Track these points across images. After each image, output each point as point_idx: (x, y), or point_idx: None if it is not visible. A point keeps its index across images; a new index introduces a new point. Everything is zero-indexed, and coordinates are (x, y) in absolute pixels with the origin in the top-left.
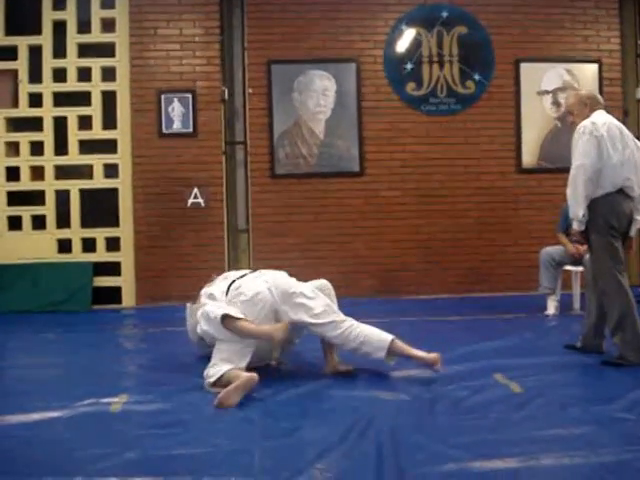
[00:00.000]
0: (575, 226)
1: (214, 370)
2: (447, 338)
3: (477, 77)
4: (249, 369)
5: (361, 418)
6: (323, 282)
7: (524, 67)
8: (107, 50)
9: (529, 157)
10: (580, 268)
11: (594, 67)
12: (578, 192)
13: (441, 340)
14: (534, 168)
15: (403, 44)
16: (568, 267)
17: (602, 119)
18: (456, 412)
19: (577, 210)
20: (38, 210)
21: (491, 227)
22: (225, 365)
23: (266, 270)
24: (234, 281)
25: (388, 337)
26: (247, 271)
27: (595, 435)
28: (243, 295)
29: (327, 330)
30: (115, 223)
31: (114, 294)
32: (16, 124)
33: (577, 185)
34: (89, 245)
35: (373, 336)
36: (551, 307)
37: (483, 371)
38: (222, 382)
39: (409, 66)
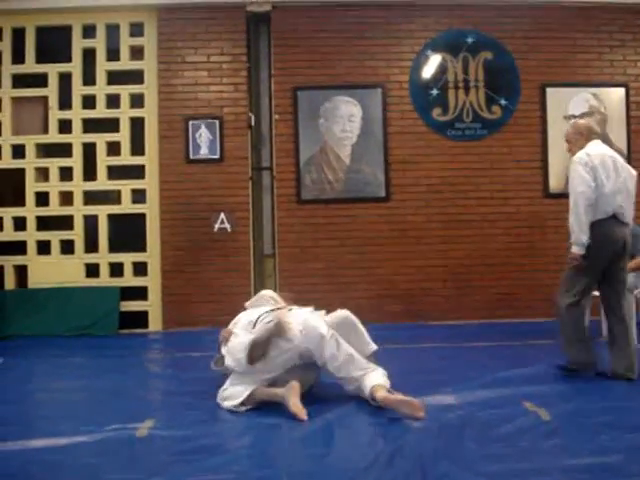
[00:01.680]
0: (576, 250)
1: (237, 390)
2: (474, 364)
3: (503, 102)
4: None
5: (388, 445)
6: (345, 315)
7: (550, 92)
8: (136, 77)
9: (556, 182)
10: None
11: (621, 91)
12: (581, 218)
13: (468, 367)
14: (561, 193)
15: (429, 70)
16: (597, 293)
17: (596, 150)
18: (484, 439)
19: (581, 235)
20: (67, 235)
21: (518, 252)
22: (250, 385)
23: (297, 307)
24: (263, 314)
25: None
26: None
27: (626, 464)
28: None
29: (342, 382)
30: (142, 248)
31: (141, 318)
32: (46, 150)
33: (579, 212)
34: (116, 270)
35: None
36: None
37: (512, 398)
38: (252, 400)
39: (435, 91)
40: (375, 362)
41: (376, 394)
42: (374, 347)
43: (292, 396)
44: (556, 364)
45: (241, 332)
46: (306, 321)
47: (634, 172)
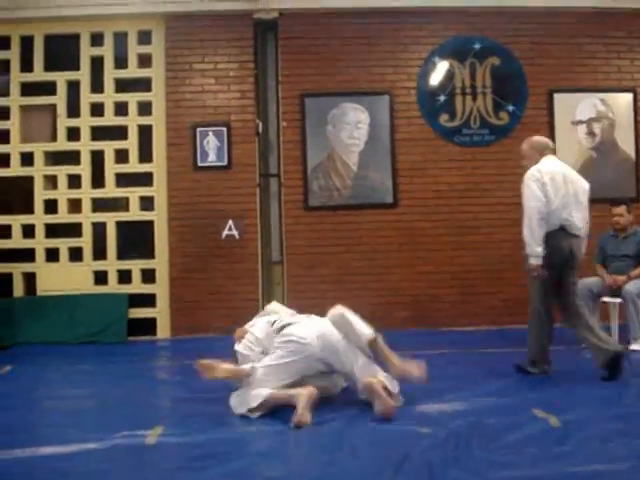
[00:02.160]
0: (533, 262)
1: (251, 395)
2: (483, 371)
3: (511, 108)
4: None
5: (397, 452)
6: (339, 314)
7: (558, 97)
8: (143, 85)
9: None
10: (618, 300)
11: (629, 96)
12: (534, 231)
13: (477, 373)
14: None
15: (436, 76)
16: (606, 299)
17: (548, 166)
18: (494, 446)
19: (536, 247)
20: (75, 242)
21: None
22: (263, 390)
23: (315, 317)
24: (285, 326)
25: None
26: (295, 315)
27: (636, 471)
28: (292, 344)
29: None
30: (150, 255)
31: (149, 325)
32: (54, 158)
33: (533, 225)
34: (125, 277)
35: None
36: None
37: (521, 404)
38: (266, 405)
39: (442, 98)
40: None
41: (363, 379)
42: (369, 333)
43: (303, 401)
44: (513, 363)
45: (258, 331)
46: (321, 329)
47: (586, 186)
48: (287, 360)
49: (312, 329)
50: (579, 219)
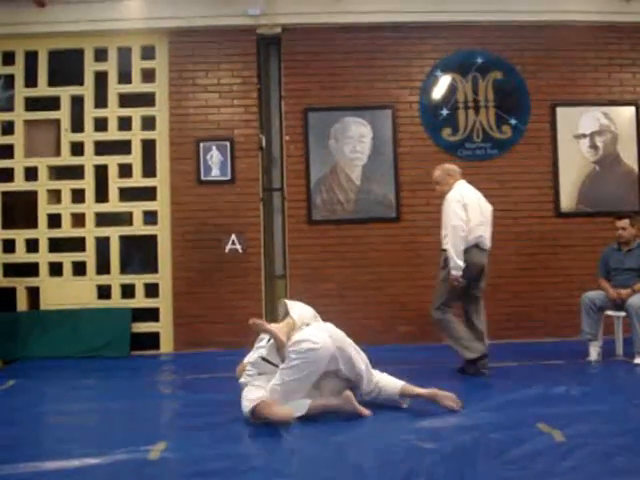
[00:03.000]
0: (455, 273)
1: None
2: (487, 385)
3: (513, 122)
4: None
5: (402, 467)
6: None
7: (560, 111)
8: (147, 100)
9: (567, 201)
10: (622, 313)
11: (631, 110)
12: (457, 247)
13: (481, 387)
14: (573, 212)
15: (438, 90)
16: (610, 312)
17: (466, 190)
18: (499, 461)
19: (458, 262)
20: (78, 256)
21: (530, 272)
22: (304, 401)
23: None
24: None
25: (398, 383)
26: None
27: None
28: (309, 352)
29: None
30: (154, 269)
31: (152, 340)
32: (58, 172)
33: (456, 242)
34: (128, 291)
35: (388, 386)
36: (593, 353)
37: (525, 419)
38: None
39: (445, 112)
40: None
41: (415, 390)
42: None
43: (351, 403)
44: (456, 368)
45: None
46: (330, 329)
47: (490, 207)
48: (306, 372)
49: (322, 330)
50: (488, 236)
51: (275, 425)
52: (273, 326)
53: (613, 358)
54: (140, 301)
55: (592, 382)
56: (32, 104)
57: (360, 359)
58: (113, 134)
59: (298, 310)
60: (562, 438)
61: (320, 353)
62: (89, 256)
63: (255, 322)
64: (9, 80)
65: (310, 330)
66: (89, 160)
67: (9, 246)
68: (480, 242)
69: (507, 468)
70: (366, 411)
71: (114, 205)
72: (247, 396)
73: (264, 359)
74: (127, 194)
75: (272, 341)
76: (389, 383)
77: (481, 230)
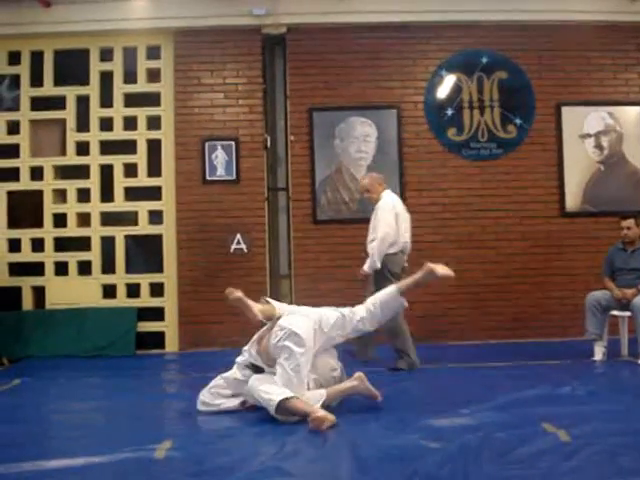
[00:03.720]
0: (368, 270)
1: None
2: (492, 385)
3: (518, 121)
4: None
5: (406, 467)
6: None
7: (565, 111)
8: (152, 99)
9: (573, 201)
10: (627, 313)
11: (636, 109)
12: (382, 251)
13: (486, 387)
14: (578, 212)
15: (443, 90)
16: (615, 312)
17: (395, 199)
18: (503, 461)
19: (377, 263)
20: (84, 256)
21: (535, 272)
22: (318, 391)
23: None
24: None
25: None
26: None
27: None
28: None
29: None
30: (159, 269)
31: (158, 339)
32: (64, 172)
33: (383, 247)
34: (133, 290)
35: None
36: (598, 353)
37: (530, 419)
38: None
39: (450, 111)
40: None
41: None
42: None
43: (364, 383)
44: (390, 367)
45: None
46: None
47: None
48: (301, 353)
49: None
50: (409, 242)
51: (297, 419)
52: (249, 301)
53: (618, 358)
54: (145, 300)
55: (597, 382)
56: (38, 104)
57: (333, 314)
58: (118, 134)
59: (277, 304)
60: (567, 438)
61: (303, 333)
62: (94, 255)
63: (232, 292)
64: (15, 80)
65: (286, 319)
66: (94, 160)
67: (15, 245)
68: (405, 248)
69: (512, 468)
70: (377, 393)
71: (119, 205)
72: (265, 390)
73: (252, 365)
74: (132, 194)
75: (253, 340)
76: (384, 292)
77: (407, 237)
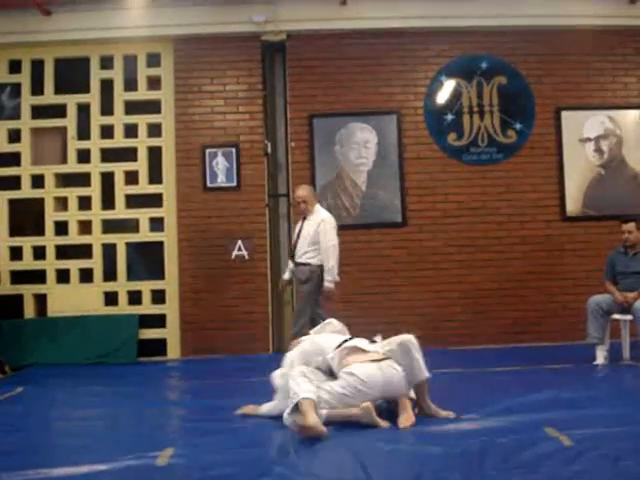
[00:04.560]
0: (332, 287)
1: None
2: (494, 389)
3: (518, 126)
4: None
5: (408, 472)
6: (401, 340)
7: (565, 115)
8: (153, 107)
9: (573, 205)
10: (629, 317)
11: (636, 113)
12: (337, 265)
13: (488, 391)
14: (578, 216)
15: (443, 95)
16: (616, 316)
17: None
18: (506, 466)
19: (337, 278)
20: (85, 263)
21: (536, 276)
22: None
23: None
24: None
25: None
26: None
27: None
28: (358, 389)
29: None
30: (160, 276)
31: (159, 346)
32: (65, 179)
33: (336, 260)
34: (135, 297)
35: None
36: (600, 357)
37: (532, 423)
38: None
39: (449, 117)
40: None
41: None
42: (424, 375)
43: (370, 415)
44: None
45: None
46: (387, 375)
47: None
48: (348, 398)
49: (378, 376)
50: None
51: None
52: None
53: (620, 362)
54: (147, 307)
55: (599, 386)
56: (39, 112)
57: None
58: (119, 141)
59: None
60: (569, 442)
61: (366, 394)
62: (96, 263)
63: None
64: (16, 88)
65: (365, 373)
66: (95, 167)
67: (16, 253)
68: None
69: (514, 472)
70: (384, 423)
71: (120, 212)
72: (299, 383)
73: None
74: (133, 201)
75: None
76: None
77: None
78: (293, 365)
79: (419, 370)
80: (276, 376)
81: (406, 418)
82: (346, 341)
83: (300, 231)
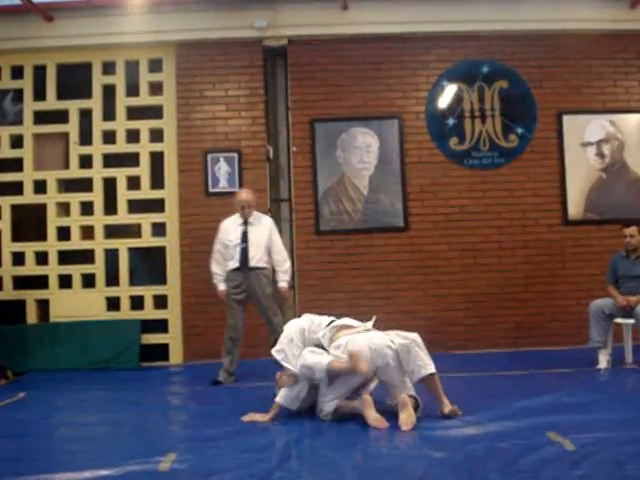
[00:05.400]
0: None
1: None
2: (496, 394)
3: (520, 130)
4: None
5: (412, 477)
6: (410, 339)
7: (567, 119)
8: (155, 112)
9: (575, 209)
10: (631, 320)
11: (637, 117)
12: None
13: (490, 396)
14: (580, 220)
15: (445, 100)
16: (619, 320)
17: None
18: (508, 471)
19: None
20: (88, 269)
21: (538, 280)
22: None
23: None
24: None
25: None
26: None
27: None
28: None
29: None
30: (162, 281)
31: (162, 351)
32: (67, 185)
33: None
34: (137, 303)
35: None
36: (602, 361)
37: (535, 428)
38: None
39: (451, 121)
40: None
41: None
42: (430, 370)
43: (368, 409)
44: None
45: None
46: (375, 342)
47: None
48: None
49: (365, 342)
50: None
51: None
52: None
53: (622, 366)
54: (149, 312)
55: (602, 390)
56: (41, 118)
57: (400, 376)
58: (121, 146)
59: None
60: (572, 446)
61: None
62: (98, 268)
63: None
64: (18, 94)
65: (353, 343)
66: (98, 173)
67: (19, 259)
68: None
69: (517, 477)
70: (381, 422)
71: (123, 217)
72: (313, 356)
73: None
74: (136, 206)
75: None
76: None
77: None
78: (292, 341)
79: (418, 366)
80: (275, 351)
81: (406, 417)
82: (337, 318)
83: (246, 236)
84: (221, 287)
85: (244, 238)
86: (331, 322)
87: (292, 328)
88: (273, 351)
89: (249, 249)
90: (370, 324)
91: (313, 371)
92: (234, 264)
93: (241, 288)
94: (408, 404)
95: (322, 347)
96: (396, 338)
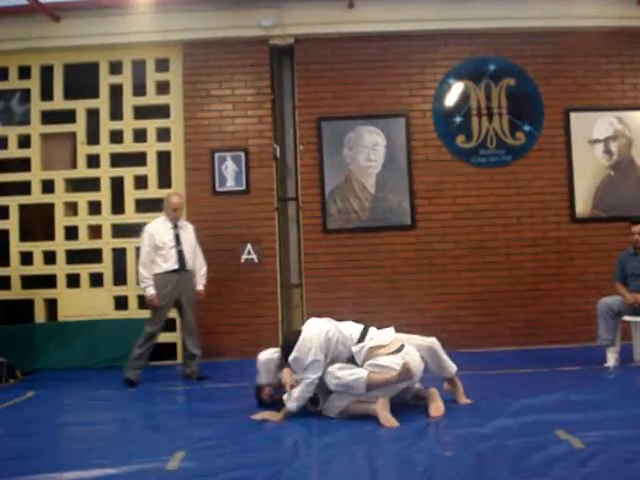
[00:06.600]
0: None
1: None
2: (505, 392)
3: (527, 128)
4: None
5: (420, 474)
6: (429, 343)
7: (574, 116)
8: (162, 111)
9: (583, 206)
10: (639, 318)
11: None
12: None
13: (499, 394)
14: (588, 217)
15: (451, 98)
16: (627, 317)
17: None
18: (517, 469)
19: None
20: (96, 268)
21: (546, 278)
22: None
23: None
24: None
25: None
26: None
27: None
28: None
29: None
30: None
31: (169, 350)
32: (75, 184)
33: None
34: (145, 302)
35: None
36: (611, 359)
37: (543, 426)
38: (346, 413)
39: (458, 119)
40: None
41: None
42: (454, 369)
43: (382, 410)
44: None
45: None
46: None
47: None
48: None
49: (417, 355)
50: None
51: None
52: None
53: (631, 363)
54: None
55: (610, 388)
56: (48, 117)
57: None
58: (129, 146)
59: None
60: (580, 444)
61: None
62: (106, 267)
63: None
64: (25, 94)
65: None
66: (105, 172)
67: (27, 258)
68: None
69: (525, 475)
70: (393, 424)
71: (130, 216)
72: (349, 373)
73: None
74: (143, 205)
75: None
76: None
77: None
78: (310, 351)
79: (449, 367)
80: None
81: (436, 407)
82: (365, 330)
83: (178, 238)
84: (151, 291)
85: (177, 241)
86: (362, 332)
87: (317, 336)
88: (290, 359)
89: (184, 252)
90: (398, 336)
91: (350, 387)
92: (172, 265)
93: (175, 290)
94: (437, 396)
95: (351, 358)
96: (422, 343)
